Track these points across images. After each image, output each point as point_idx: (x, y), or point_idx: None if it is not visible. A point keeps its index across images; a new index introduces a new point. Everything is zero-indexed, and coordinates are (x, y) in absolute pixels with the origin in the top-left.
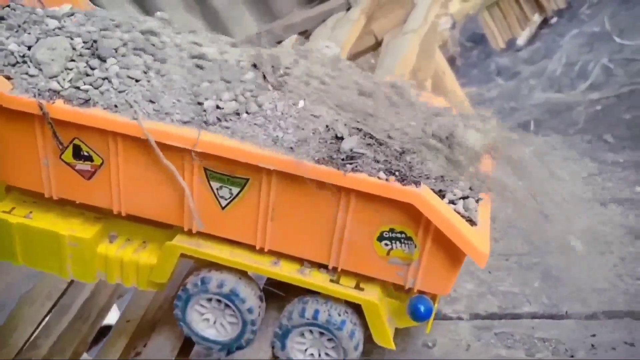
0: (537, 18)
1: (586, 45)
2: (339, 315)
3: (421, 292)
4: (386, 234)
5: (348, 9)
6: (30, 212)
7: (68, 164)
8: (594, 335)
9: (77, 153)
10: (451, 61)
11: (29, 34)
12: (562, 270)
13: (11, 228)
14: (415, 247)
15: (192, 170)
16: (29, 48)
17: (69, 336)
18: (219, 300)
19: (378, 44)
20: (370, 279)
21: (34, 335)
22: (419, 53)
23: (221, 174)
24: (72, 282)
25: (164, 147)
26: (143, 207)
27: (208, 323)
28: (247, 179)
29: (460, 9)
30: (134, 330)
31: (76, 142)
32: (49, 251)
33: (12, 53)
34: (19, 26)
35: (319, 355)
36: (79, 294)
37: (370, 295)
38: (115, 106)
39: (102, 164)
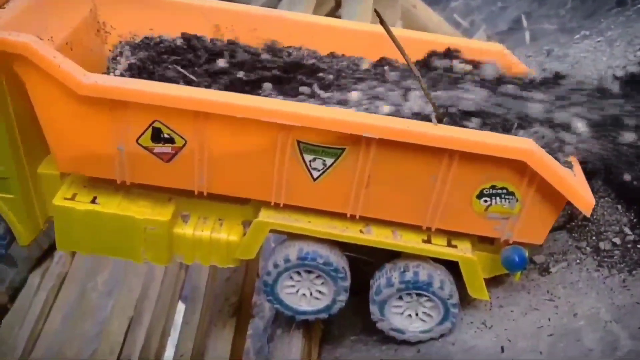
0: None
1: None
2: (449, 283)
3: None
4: (486, 191)
5: None
6: (95, 197)
7: (145, 147)
8: None
9: (157, 136)
10: None
11: None
12: None
13: (78, 215)
14: (517, 201)
15: (286, 145)
16: None
17: None
18: (308, 272)
19: (338, 5)
20: (459, 235)
21: None
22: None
23: (316, 146)
24: (126, 335)
25: (253, 123)
26: (227, 185)
27: (303, 297)
28: (344, 149)
29: None
30: None
31: (156, 124)
32: (121, 237)
33: None
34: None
35: (416, 315)
36: (135, 341)
37: (465, 252)
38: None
39: (184, 145)
